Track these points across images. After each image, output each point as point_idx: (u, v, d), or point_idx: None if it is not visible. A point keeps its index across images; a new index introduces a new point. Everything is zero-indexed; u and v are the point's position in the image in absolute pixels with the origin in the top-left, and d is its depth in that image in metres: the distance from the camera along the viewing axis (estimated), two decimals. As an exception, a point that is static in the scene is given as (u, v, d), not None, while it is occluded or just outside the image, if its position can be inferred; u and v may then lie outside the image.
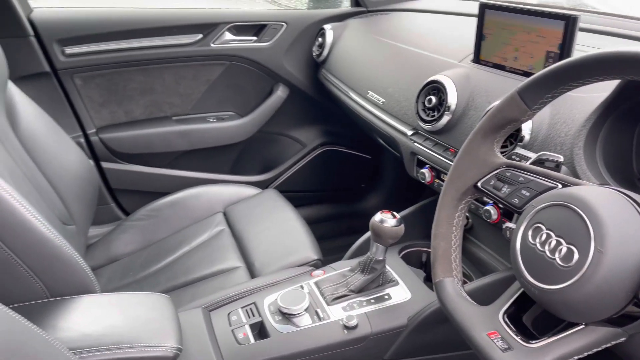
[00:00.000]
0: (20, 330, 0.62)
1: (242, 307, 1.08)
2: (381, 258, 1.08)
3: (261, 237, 1.38)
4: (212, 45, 1.71)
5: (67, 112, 1.64)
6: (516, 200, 0.74)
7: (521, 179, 0.75)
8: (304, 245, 1.31)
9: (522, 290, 0.70)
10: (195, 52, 1.70)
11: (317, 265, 1.26)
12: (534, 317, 0.70)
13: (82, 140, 1.67)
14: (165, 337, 0.81)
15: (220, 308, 1.09)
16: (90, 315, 0.83)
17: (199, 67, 1.74)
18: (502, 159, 0.79)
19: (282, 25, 1.78)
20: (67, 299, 0.85)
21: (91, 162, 1.67)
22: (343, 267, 1.18)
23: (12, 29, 1.48)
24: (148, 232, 1.52)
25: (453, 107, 1.15)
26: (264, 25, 1.77)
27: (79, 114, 1.65)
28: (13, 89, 1.30)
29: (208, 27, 1.69)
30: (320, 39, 1.80)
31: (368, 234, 1.32)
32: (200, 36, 1.69)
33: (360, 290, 1.10)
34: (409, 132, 1.29)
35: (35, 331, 0.62)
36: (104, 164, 1.71)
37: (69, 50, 1.58)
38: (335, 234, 2.00)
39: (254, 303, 1.09)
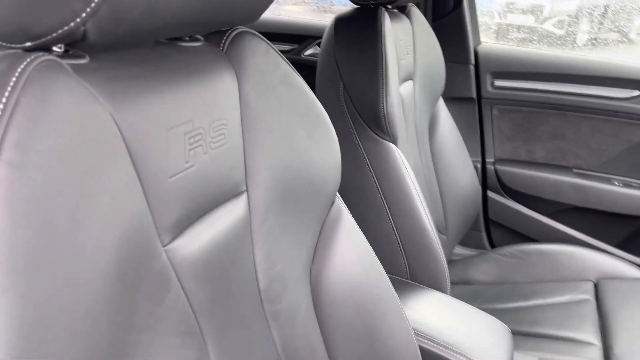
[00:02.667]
0: (385, 286, 0.70)
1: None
2: None
3: (633, 324, 1.18)
4: None
5: (475, 137, 1.76)
6: None
7: None
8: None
9: None
10: (625, 109, 1.57)
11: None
12: None
13: (479, 165, 1.77)
14: None
15: None
16: (437, 309, 0.88)
17: (623, 124, 1.60)
18: None
19: None
20: (422, 287, 0.93)
21: (480, 187, 1.75)
22: None
23: (460, 56, 1.68)
24: (508, 270, 1.50)
25: None
26: None
27: (485, 141, 1.75)
28: (441, 104, 1.48)
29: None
30: None
31: None
32: (636, 93, 1.55)
33: None
34: None
35: (395, 296, 0.70)
36: (490, 194, 1.76)
37: (498, 82, 1.69)
38: None
39: None
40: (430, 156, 1.42)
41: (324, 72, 1.06)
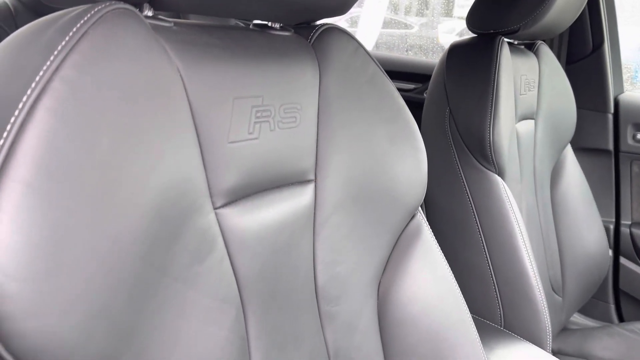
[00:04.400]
0: (462, 318, 0.63)
1: None
2: None
3: None
4: None
5: (609, 195, 1.57)
6: None
7: None
8: None
9: None
10: None
11: None
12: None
13: (612, 227, 1.57)
14: None
15: None
16: (528, 363, 0.77)
17: None
18: None
19: None
20: (516, 337, 0.82)
21: (609, 251, 1.55)
22: None
23: (597, 104, 1.54)
24: (636, 350, 1.29)
25: None
26: None
27: (621, 200, 1.55)
28: (569, 153, 1.35)
29: None
30: None
31: None
32: None
33: None
34: None
35: (473, 331, 0.62)
36: (623, 260, 1.55)
37: (641, 135, 1.51)
38: None
39: None
40: (550, 206, 1.28)
41: (432, 96, 1.02)
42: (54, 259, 0.33)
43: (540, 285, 0.85)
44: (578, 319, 1.52)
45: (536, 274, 0.85)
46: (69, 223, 0.33)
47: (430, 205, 0.99)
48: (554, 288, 1.24)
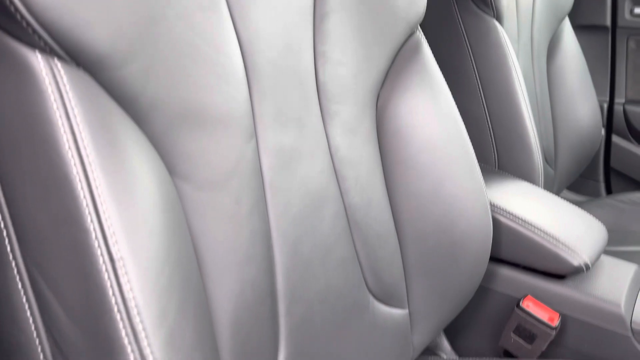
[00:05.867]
0: (460, 133, 0.64)
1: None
2: None
3: None
4: None
5: (604, 73, 1.56)
6: None
7: None
8: None
9: None
10: None
11: None
12: None
13: (605, 105, 1.57)
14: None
15: None
16: (521, 194, 0.79)
17: None
18: None
19: None
20: (509, 175, 0.84)
21: (602, 130, 1.55)
22: None
23: (594, -24, 1.49)
24: (624, 218, 1.33)
25: None
26: None
27: (616, 78, 1.55)
28: (567, 26, 1.32)
29: None
30: None
31: None
32: None
33: None
34: None
35: (472, 156, 0.64)
36: (615, 138, 1.56)
37: (639, 9, 1.47)
38: None
39: None
40: (546, 77, 1.27)
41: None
42: None
43: (534, 129, 0.86)
44: (568, 195, 1.55)
45: (531, 117, 0.85)
46: None
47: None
48: (546, 159, 1.25)
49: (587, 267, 0.72)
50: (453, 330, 0.80)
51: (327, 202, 0.56)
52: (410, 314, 0.66)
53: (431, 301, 0.67)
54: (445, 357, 0.79)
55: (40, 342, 0.36)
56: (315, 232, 0.54)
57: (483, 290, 0.76)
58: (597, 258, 0.74)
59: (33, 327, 0.36)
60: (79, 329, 0.34)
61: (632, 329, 0.70)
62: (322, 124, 0.56)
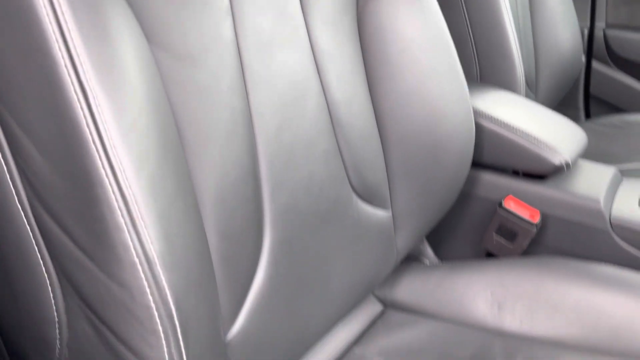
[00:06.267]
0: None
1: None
2: None
3: None
4: None
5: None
6: None
7: None
8: None
9: None
10: None
11: None
12: None
13: (586, 31, 1.56)
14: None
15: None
16: (504, 101, 0.79)
17: None
18: None
19: None
20: (492, 86, 0.83)
21: (582, 56, 1.55)
22: None
23: None
24: (604, 141, 1.33)
25: None
26: None
27: (597, 3, 1.53)
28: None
29: None
30: None
31: None
32: None
33: None
34: None
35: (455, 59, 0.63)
36: (595, 64, 1.56)
37: None
38: None
39: None
40: (527, 2, 1.25)
41: None
42: None
43: (517, 44, 0.85)
44: (549, 121, 1.55)
45: (512, 26, 0.84)
46: None
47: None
48: (528, 84, 1.25)
49: (568, 165, 0.72)
50: (436, 238, 0.81)
51: (309, 93, 0.55)
52: (393, 216, 0.66)
53: (414, 203, 0.67)
54: (428, 262, 0.80)
55: (15, 186, 0.35)
56: (297, 122, 0.53)
57: (465, 196, 0.77)
58: (577, 157, 0.75)
59: (6, 170, 0.35)
60: (54, 167, 0.33)
61: (611, 224, 0.72)
62: (301, 12, 0.55)
